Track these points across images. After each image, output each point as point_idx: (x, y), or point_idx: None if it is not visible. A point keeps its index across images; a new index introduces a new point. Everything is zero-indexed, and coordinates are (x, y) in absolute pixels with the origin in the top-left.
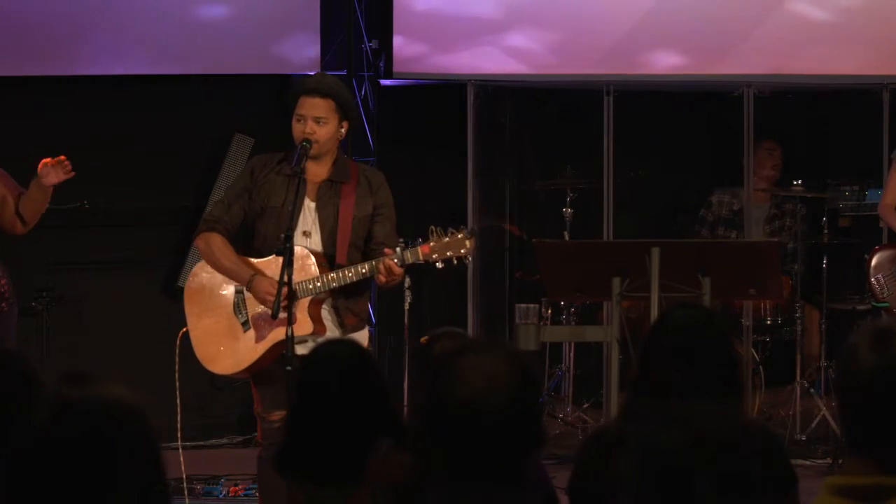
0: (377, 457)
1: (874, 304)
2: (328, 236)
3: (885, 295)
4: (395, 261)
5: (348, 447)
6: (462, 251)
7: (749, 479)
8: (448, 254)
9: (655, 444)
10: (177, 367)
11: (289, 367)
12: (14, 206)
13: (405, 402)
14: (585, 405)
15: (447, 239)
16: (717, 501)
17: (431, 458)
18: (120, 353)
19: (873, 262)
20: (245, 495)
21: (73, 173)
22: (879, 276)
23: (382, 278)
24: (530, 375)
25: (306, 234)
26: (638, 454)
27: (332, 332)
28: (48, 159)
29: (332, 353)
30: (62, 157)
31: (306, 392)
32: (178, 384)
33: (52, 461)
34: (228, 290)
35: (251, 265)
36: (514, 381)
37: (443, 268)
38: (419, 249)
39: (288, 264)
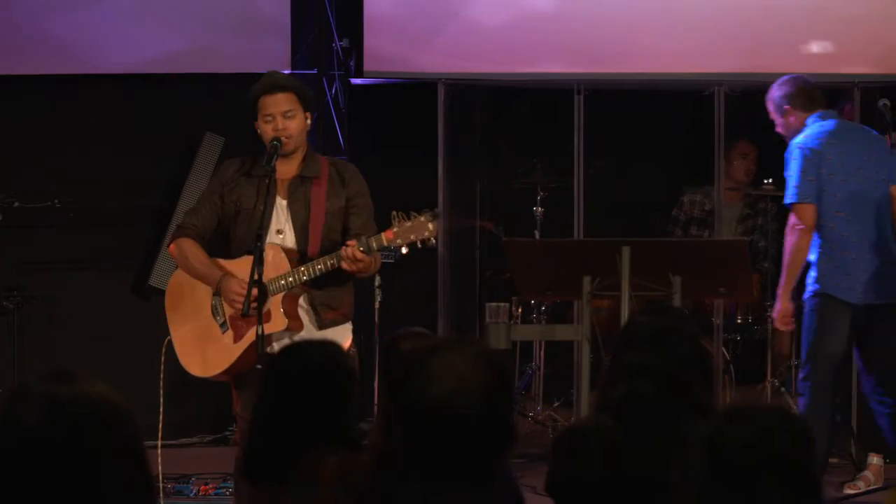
0: (335, 458)
1: None
2: (300, 231)
3: None
4: (361, 248)
5: (303, 448)
6: (426, 233)
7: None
8: (412, 237)
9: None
10: (161, 373)
11: (259, 366)
12: None
13: (375, 401)
14: (556, 404)
15: (409, 223)
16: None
17: (403, 457)
18: (91, 351)
19: None
20: (215, 494)
21: None
22: None
23: (345, 265)
24: (502, 374)
25: (280, 231)
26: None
27: (309, 328)
28: None
29: (299, 355)
30: None
31: (269, 394)
32: (162, 390)
33: (41, 459)
34: (207, 292)
35: (221, 267)
36: (486, 380)
37: (407, 253)
38: (383, 235)
39: (258, 262)
